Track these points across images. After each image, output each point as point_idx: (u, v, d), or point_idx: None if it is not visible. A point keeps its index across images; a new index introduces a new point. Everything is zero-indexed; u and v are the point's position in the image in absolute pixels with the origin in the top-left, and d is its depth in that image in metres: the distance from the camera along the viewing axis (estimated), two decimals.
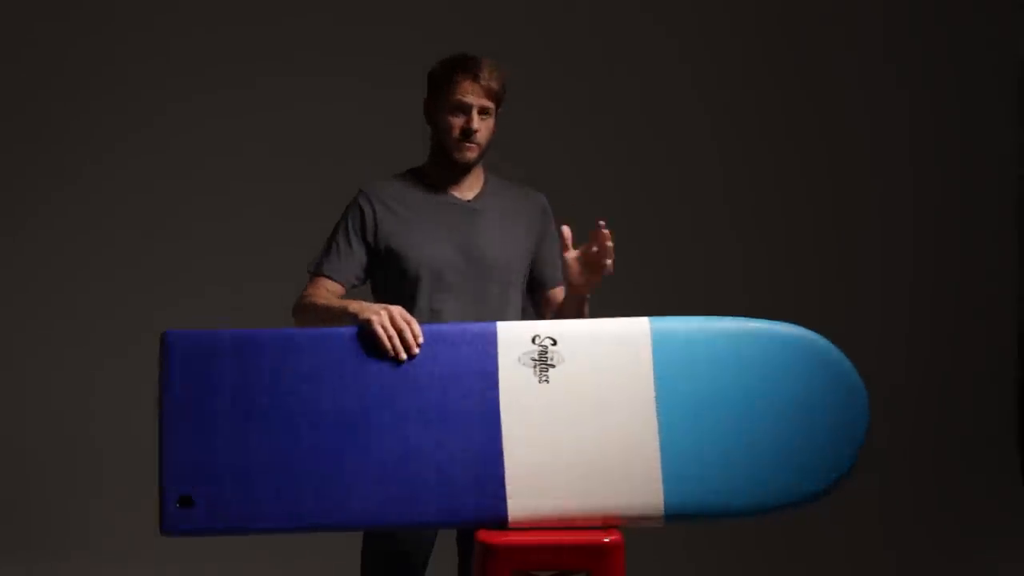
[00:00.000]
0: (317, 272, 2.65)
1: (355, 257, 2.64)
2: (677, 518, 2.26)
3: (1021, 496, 4.73)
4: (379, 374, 2.29)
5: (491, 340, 2.30)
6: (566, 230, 2.51)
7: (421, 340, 2.30)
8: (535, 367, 2.29)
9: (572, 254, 2.51)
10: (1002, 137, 4.95)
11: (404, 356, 2.28)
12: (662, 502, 2.26)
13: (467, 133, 2.59)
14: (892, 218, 4.93)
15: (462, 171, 2.66)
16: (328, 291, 2.61)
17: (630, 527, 2.27)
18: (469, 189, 2.69)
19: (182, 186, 4.75)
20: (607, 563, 2.21)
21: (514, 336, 2.30)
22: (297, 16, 4.77)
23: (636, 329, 2.31)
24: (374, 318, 2.30)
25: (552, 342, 2.30)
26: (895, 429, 4.54)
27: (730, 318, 2.34)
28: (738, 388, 2.28)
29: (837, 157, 4.92)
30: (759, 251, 4.88)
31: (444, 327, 2.35)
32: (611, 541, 2.22)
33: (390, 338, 2.28)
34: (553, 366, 2.29)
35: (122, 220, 4.75)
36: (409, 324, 2.30)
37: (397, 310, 2.32)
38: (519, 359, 2.30)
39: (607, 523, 2.26)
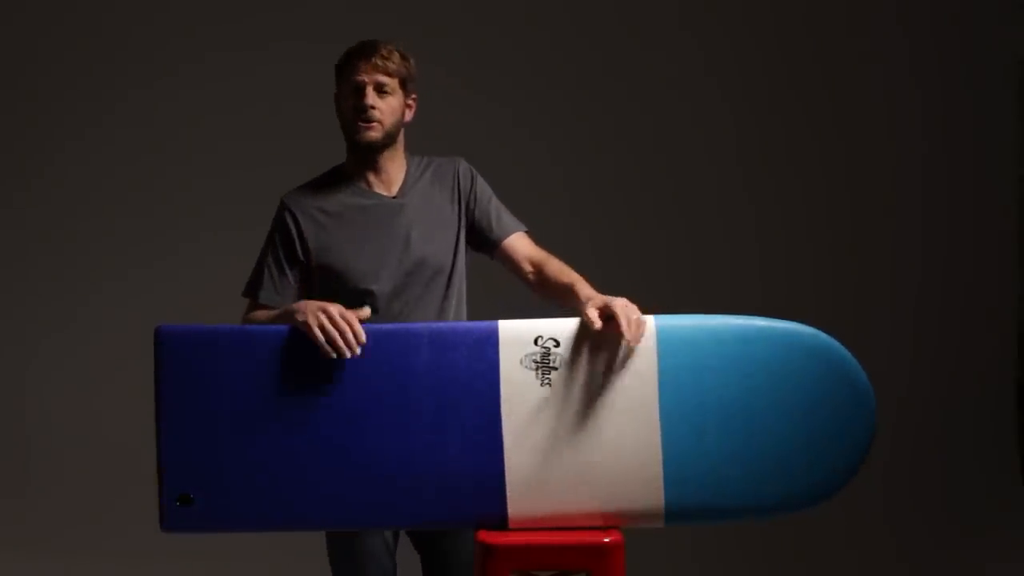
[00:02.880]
0: (253, 298, 2.56)
1: (287, 281, 2.55)
2: (678, 519, 2.26)
3: (1021, 496, 4.72)
4: (379, 373, 2.27)
5: (492, 341, 2.28)
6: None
7: (364, 340, 2.25)
8: (537, 370, 2.28)
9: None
10: (1002, 137, 4.94)
11: (348, 355, 2.24)
12: (662, 503, 2.25)
13: (361, 109, 2.51)
14: (891, 218, 4.92)
15: (371, 155, 2.55)
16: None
17: (630, 527, 2.27)
18: (393, 182, 2.60)
19: (180, 182, 4.74)
20: (607, 563, 2.21)
21: (516, 336, 2.29)
22: (294, 12, 4.77)
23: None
24: (311, 320, 2.25)
25: (555, 343, 2.29)
26: (895, 429, 4.53)
27: (737, 316, 2.31)
28: (743, 388, 2.27)
29: (837, 157, 4.91)
30: (760, 248, 4.87)
31: (444, 326, 2.33)
32: (611, 541, 2.22)
33: (331, 341, 2.23)
34: (556, 368, 2.28)
35: (117, 214, 4.74)
36: (350, 324, 2.25)
37: (336, 309, 2.26)
38: (521, 361, 2.28)
39: (607, 523, 2.26)
